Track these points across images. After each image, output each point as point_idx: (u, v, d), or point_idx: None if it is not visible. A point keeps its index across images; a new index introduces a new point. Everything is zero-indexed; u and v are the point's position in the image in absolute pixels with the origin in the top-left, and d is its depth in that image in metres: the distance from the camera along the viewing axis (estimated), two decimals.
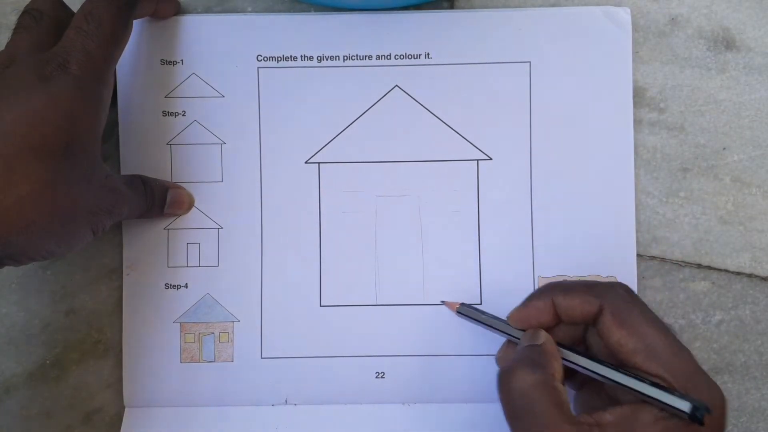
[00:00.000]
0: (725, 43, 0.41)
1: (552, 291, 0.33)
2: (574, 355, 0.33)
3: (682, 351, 0.31)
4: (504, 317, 0.36)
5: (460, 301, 0.39)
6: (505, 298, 0.40)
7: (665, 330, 0.31)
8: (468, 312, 0.38)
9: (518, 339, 0.35)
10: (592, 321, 0.32)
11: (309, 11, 0.41)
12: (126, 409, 0.41)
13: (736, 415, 0.41)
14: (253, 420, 0.40)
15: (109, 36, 0.33)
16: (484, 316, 0.37)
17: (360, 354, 0.40)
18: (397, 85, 0.41)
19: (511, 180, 0.41)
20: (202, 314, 0.41)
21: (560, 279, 0.41)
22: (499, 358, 0.36)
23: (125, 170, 0.41)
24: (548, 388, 0.30)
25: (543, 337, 0.33)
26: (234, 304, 0.41)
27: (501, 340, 0.37)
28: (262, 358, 0.41)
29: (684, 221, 0.41)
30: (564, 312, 0.33)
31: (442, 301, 0.40)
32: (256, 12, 0.42)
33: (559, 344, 0.34)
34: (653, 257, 0.41)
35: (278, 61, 0.41)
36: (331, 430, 0.40)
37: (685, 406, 0.29)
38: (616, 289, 0.32)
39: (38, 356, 0.41)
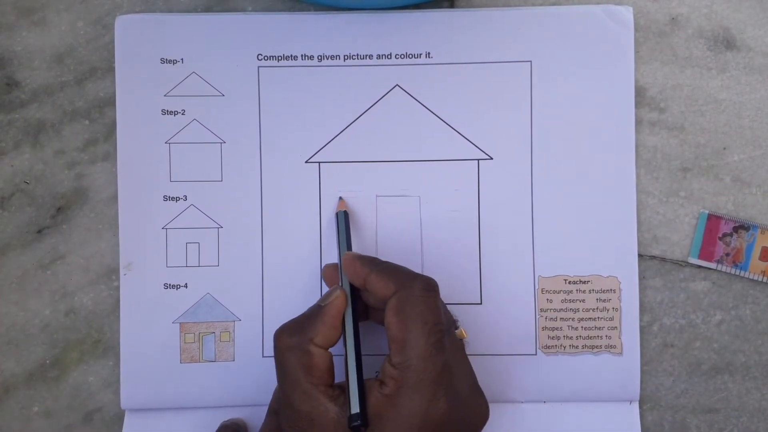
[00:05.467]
0: (725, 43, 0.41)
1: (371, 266, 0.36)
2: (348, 325, 0.35)
3: (433, 357, 0.32)
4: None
5: (345, 210, 0.40)
6: (505, 298, 0.41)
7: (432, 335, 0.33)
8: (340, 221, 0.40)
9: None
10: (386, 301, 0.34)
11: (309, 11, 0.41)
12: (126, 413, 0.41)
13: (736, 415, 0.41)
14: (255, 420, 0.40)
15: None
16: (339, 237, 0.39)
17: (362, 353, 0.40)
18: (397, 85, 0.41)
19: (512, 180, 0.41)
20: (202, 314, 0.41)
21: (561, 279, 0.41)
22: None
23: (123, 169, 0.41)
24: (301, 351, 0.33)
25: (332, 298, 0.35)
26: (235, 303, 0.41)
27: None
28: (263, 357, 0.41)
29: (684, 221, 0.41)
30: (370, 287, 0.35)
31: (340, 197, 0.41)
32: (256, 11, 0.42)
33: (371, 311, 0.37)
34: (653, 257, 0.41)
35: (278, 60, 0.41)
36: None
37: (353, 409, 0.32)
38: (417, 281, 0.34)
39: (38, 356, 0.41)
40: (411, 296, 0.33)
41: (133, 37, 0.41)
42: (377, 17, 0.41)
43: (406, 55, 0.41)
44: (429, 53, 0.41)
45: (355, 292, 0.36)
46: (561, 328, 0.41)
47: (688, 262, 0.41)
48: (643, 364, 0.41)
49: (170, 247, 0.41)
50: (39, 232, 0.41)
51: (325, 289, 0.40)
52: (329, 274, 0.39)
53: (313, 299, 0.40)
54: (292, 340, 0.34)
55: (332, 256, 0.41)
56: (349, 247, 0.38)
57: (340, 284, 0.37)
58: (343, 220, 0.39)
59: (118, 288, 0.41)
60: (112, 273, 0.41)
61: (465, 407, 0.34)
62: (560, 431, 0.40)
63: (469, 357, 0.36)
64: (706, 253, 0.41)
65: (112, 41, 0.41)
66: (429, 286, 0.34)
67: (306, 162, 0.41)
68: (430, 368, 0.32)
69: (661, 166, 0.41)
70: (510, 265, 0.41)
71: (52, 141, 0.41)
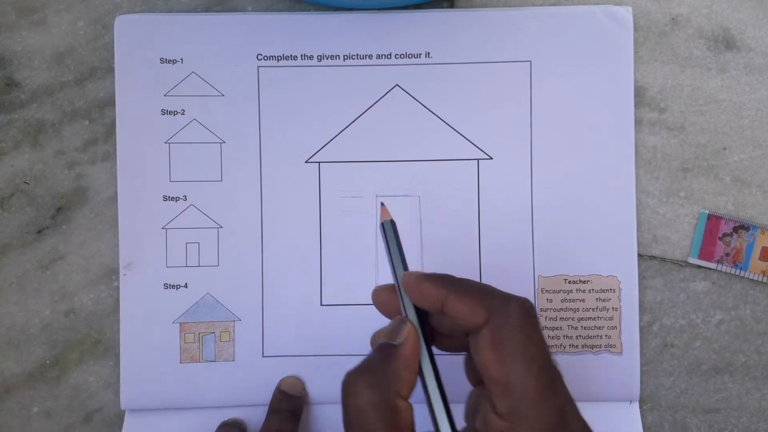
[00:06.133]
0: (725, 43, 0.41)
1: (448, 287, 0.29)
2: (426, 366, 0.29)
3: (549, 402, 0.27)
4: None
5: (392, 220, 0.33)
6: None
7: (544, 375, 0.27)
8: (388, 233, 0.32)
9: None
10: (475, 331, 0.28)
11: (309, 11, 0.41)
12: (126, 413, 0.41)
13: (736, 416, 0.41)
14: (255, 420, 0.40)
15: None
16: (391, 253, 0.32)
17: (361, 353, 0.40)
18: (397, 85, 0.41)
19: (512, 180, 0.41)
20: (202, 314, 0.41)
21: (561, 278, 0.41)
22: (374, 335, 0.32)
23: (123, 169, 0.41)
24: (386, 408, 0.27)
25: (405, 334, 0.29)
26: (235, 303, 0.41)
27: None
28: (263, 356, 0.41)
29: (684, 221, 0.41)
30: (450, 313, 0.29)
31: (382, 203, 0.34)
32: (256, 11, 0.42)
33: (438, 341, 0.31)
34: (653, 257, 0.41)
35: (278, 60, 0.41)
36: (333, 429, 0.40)
37: None
38: (512, 306, 0.28)
39: (38, 356, 0.41)
40: (508, 326, 0.27)
41: (133, 37, 0.41)
42: (377, 17, 0.41)
43: (406, 55, 0.41)
44: (429, 53, 0.41)
45: (422, 317, 0.30)
46: (561, 327, 0.41)
47: (688, 262, 0.41)
48: (643, 363, 0.41)
49: (170, 247, 0.41)
50: (39, 232, 0.41)
51: (326, 292, 0.40)
52: (384, 299, 0.32)
53: (314, 299, 0.40)
54: (373, 395, 0.27)
55: (333, 256, 0.41)
56: (404, 263, 0.31)
57: (404, 313, 0.30)
58: (392, 230, 0.32)
59: (118, 288, 0.41)
60: (112, 273, 0.41)
61: None
62: None
63: None
64: (706, 253, 0.41)
65: (112, 41, 0.41)
66: (528, 311, 0.28)
67: (306, 162, 0.41)
68: (546, 416, 0.26)
69: (661, 166, 0.41)
70: (510, 264, 0.41)
71: (52, 141, 0.41)
